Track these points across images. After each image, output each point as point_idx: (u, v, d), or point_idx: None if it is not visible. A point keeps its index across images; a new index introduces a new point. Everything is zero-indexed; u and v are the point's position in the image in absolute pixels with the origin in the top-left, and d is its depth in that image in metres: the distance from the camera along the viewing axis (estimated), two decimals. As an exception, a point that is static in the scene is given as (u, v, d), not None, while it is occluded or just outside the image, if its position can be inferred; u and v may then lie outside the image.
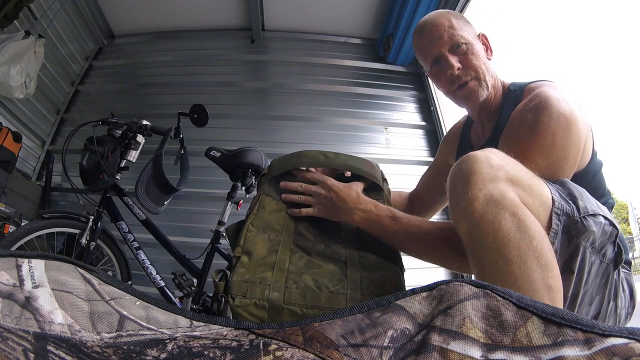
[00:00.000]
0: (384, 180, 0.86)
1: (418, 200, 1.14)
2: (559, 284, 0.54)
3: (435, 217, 2.51)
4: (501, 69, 0.97)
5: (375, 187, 0.81)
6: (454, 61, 0.86)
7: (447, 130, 1.19)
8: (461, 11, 2.34)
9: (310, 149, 0.85)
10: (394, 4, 2.64)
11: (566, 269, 0.60)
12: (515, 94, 0.86)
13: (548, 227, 0.60)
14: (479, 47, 0.89)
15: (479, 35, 0.91)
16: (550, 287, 0.52)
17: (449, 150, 1.09)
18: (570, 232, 0.61)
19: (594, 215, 0.62)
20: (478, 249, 0.56)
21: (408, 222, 0.71)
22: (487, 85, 0.87)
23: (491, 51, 0.91)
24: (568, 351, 0.26)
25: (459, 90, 0.89)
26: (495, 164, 0.58)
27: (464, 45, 0.86)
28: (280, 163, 0.85)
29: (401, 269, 0.70)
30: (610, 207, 0.81)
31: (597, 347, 0.26)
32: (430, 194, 1.11)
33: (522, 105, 0.77)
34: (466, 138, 1.03)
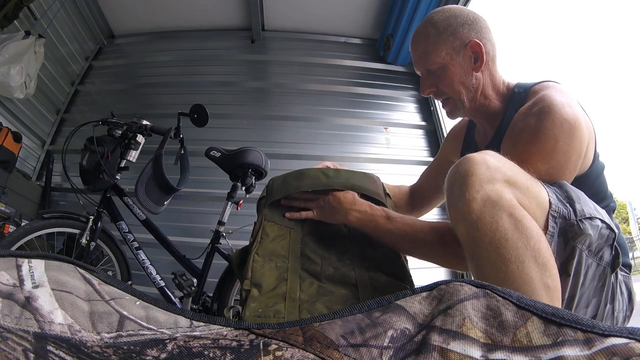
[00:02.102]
0: (387, 195, 0.85)
1: (418, 195, 1.15)
2: (557, 283, 0.54)
3: (436, 217, 2.51)
4: (504, 68, 0.95)
5: (377, 203, 0.81)
6: (427, 86, 0.91)
7: (448, 129, 1.19)
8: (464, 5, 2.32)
9: (309, 168, 0.83)
10: (394, 4, 2.64)
11: (562, 272, 0.60)
12: (519, 96, 0.85)
13: (544, 229, 0.60)
14: (457, 66, 0.85)
15: (467, 45, 0.84)
16: (548, 287, 0.52)
17: (454, 148, 1.09)
18: (566, 235, 0.61)
19: (590, 218, 0.62)
20: (476, 249, 0.56)
21: (402, 221, 0.73)
22: (462, 104, 0.89)
23: (482, 60, 0.85)
24: (568, 351, 0.26)
25: (442, 105, 0.95)
26: (492, 165, 0.58)
27: (437, 69, 0.87)
28: (279, 185, 0.83)
29: (411, 287, 0.69)
30: (611, 211, 0.80)
31: (597, 347, 0.26)
32: (430, 189, 1.12)
33: (526, 108, 0.77)
34: (470, 138, 1.03)
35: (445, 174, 0.65)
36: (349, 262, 0.75)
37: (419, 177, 1.19)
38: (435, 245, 0.69)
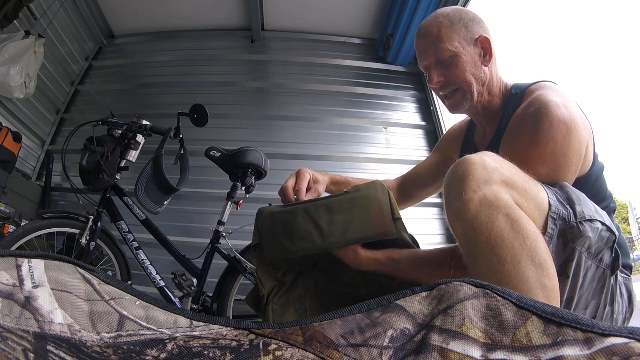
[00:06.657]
0: (397, 219, 0.71)
1: (407, 190, 1.12)
2: (555, 283, 0.54)
3: (435, 217, 2.50)
4: (504, 68, 0.95)
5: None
6: (436, 75, 0.88)
7: (448, 129, 1.18)
8: (464, 6, 2.32)
9: (296, 210, 0.72)
10: (394, 4, 2.64)
11: (561, 274, 0.60)
12: (516, 97, 0.85)
13: (544, 231, 0.60)
14: (468, 57, 0.85)
15: (477, 40, 0.86)
16: (545, 286, 0.52)
17: (452, 149, 1.08)
18: (566, 237, 0.61)
19: (591, 220, 0.62)
20: (472, 249, 0.56)
21: (408, 258, 0.70)
22: (471, 96, 0.88)
23: (491, 56, 0.87)
24: (568, 351, 0.26)
25: (445, 99, 0.93)
26: (490, 166, 0.58)
27: (449, 58, 0.86)
28: (269, 238, 0.75)
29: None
30: (612, 212, 0.80)
31: (597, 346, 0.26)
32: (419, 186, 1.11)
33: (522, 109, 0.77)
34: (470, 139, 1.03)
35: (438, 172, 0.64)
36: (365, 292, 0.74)
37: (412, 169, 1.16)
38: (445, 270, 0.67)
